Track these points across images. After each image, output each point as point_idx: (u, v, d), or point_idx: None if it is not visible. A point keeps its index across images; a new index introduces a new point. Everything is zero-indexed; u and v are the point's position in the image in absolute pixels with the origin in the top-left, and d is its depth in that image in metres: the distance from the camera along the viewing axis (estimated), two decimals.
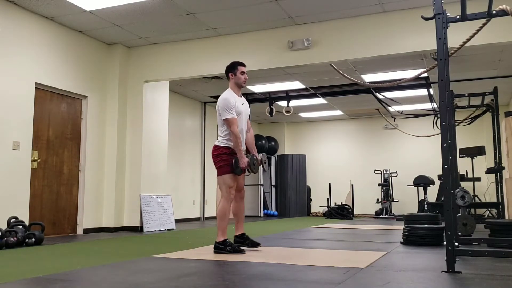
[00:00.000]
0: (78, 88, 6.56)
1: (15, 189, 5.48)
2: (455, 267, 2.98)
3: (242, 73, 4.18)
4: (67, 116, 6.42)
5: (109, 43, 7.09)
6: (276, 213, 12.34)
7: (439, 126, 3.40)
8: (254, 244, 4.19)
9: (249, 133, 4.29)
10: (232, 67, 4.20)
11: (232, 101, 4.02)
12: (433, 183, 10.55)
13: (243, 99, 4.22)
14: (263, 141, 12.16)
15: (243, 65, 4.22)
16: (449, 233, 2.97)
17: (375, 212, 11.36)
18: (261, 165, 4.38)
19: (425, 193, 10.46)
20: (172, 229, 7.17)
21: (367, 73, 8.13)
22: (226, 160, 3.98)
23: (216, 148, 4.08)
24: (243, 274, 2.97)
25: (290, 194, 12.43)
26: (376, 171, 11.48)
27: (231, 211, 4.07)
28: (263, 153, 4.58)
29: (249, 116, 4.34)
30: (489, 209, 9.63)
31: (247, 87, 9.24)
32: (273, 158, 12.74)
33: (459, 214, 4.31)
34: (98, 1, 5.56)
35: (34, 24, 5.91)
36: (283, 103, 10.07)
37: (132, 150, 7.10)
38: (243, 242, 4.16)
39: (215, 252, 3.95)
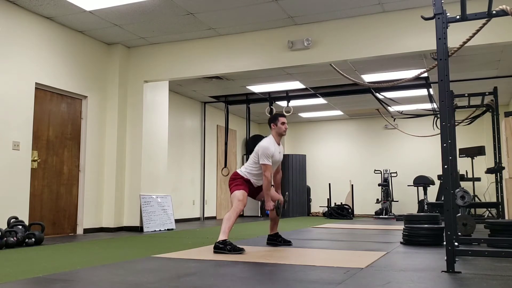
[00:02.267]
0: (78, 88, 6.56)
1: (15, 189, 5.49)
2: (455, 267, 2.98)
3: (283, 123, 4.57)
4: (67, 116, 6.42)
5: (109, 43, 7.09)
6: None
7: (439, 126, 3.40)
8: (286, 242, 4.71)
9: (278, 175, 4.74)
10: (274, 119, 4.61)
11: (272, 150, 4.40)
12: (433, 183, 10.56)
13: (281, 147, 4.61)
14: None
15: (284, 116, 4.65)
16: (449, 233, 2.97)
17: (375, 212, 11.36)
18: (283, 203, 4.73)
19: (425, 193, 10.46)
20: (172, 229, 7.17)
21: (367, 73, 8.13)
22: (241, 184, 4.33)
23: (236, 174, 4.44)
24: (242, 274, 2.97)
25: (290, 194, 12.43)
26: (376, 171, 11.48)
27: (235, 221, 4.25)
28: (287, 193, 5.05)
29: (281, 158, 4.68)
30: (489, 209, 9.63)
31: (247, 87, 9.25)
32: None
33: (459, 214, 4.32)
34: (98, 1, 5.56)
35: (34, 24, 5.92)
36: (283, 103, 10.07)
37: (132, 150, 7.10)
38: (276, 239, 4.70)
39: (215, 252, 3.97)
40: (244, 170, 4.44)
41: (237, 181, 4.36)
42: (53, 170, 6.13)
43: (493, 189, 8.29)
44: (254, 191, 4.48)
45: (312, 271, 3.05)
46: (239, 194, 4.25)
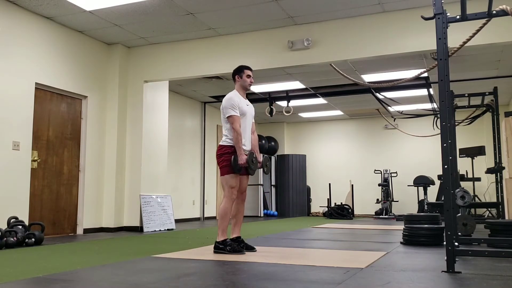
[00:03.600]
0: (78, 88, 6.56)
1: (15, 189, 5.48)
2: (455, 267, 2.98)
3: (248, 76, 4.26)
4: (67, 116, 6.42)
5: (109, 43, 7.09)
6: (276, 213, 12.34)
7: (439, 126, 3.40)
8: (249, 248, 4.10)
9: (253, 136, 4.32)
10: (239, 70, 4.28)
11: (236, 100, 4.10)
12: (433, 183, 10.56)
13: (247, 101, 4.30)
14: (263, 141, 12.16)
15: (249, 69, 4.30)
16: (449, 233, 2.97)
17: (375, 212, 11.36)
18: (262, 168, 4.33)
19: (425, 193, 10.46)
20: (172, 229, 7.17)
21: (367, 73, 8.13)
22: (228, 159, 4.00)
23: (220, 147, 4.12)
24: (243, 274, 2.97)
25: (290, 194, 12.44)
26: (376, 171, 11.48)
27: (231, 214, 4.08)
28: (266, 155, 4.53)
29: (254, 119, 4.39)
30: (489, 209, 9.63)
31: None
32: (273, 158, 12.75)
33: (459, 214, 4.31)
34: (98, 1, 5.56)
35: (34, 24, 5.92)
36: (283, 103, 10.07)
37: (132, 150, 7.10)
38: (237, 245, 4.02)
39: (215, 252, 3.96)
40: (225, 138, 4.10)
41: (225, 156, 4.03)
42: (53, 170, 6.13)
43: (493, 189, 8.29)
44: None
45: (312, 271, 3.05)
46: (231, 179, 3.99)
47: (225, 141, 4.09)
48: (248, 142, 4.16)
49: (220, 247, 3.94)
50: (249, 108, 4.26)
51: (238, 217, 4.21)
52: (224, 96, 4.22)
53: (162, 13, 5.92)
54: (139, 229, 6.85)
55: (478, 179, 10.08)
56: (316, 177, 12.96)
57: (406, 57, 6.71)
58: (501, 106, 10.08)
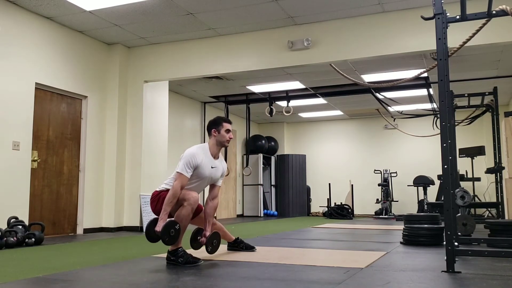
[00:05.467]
0: (78, 88, 6.56)
1: (15, 189, 5.48)
2: (455, 267, 2.98)
3: (227, 131, 3.58)
4: (67, 116, 6.42)
5: (109, 43, 7.09)
6: (276, 213, 12.34)
7: (439, 126, 3.40)
8: (249, 247, 4.02)
9: (212, 203, 3.61)
10: (216, 123, 3.60)
11: (199, 160, 3.40)
12: (433, 183, 10.56)
13: (218, 162, 3.58)
14: (263, 141, 12.16)
15: (229, 122, 3.63)
16: (449, 233, 2.97)
17: (375, 212, 11.36)
18: (206, 247, 3.61)
19: (425, 193, 10.46)
20: None
21: (367, 73, 8.13)
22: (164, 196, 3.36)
23: (156, 194, 3.47)
24: (243, 274, 2.97)
25: (290, 194, 12.44)
26: (376, 171, 11.48)
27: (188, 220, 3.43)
28: (216, 232, 3.72)
29: (220, 179, 3.67)
30: (489, 209, 9.63)
31: (247, 87, 9.24)
32: (273, 158, 12.75)
33: (459, 214, 4.31)
34: (98, 1, 5.56)
35: (34, 24, 5.92)
36: (283, 103, 10.07)
37: (132, 150, 7.10)
38: (190, 256, 3.37)
39: (167, 263, 3.38)
40: (165, 185, 3.47)
41: (160, 195, 3.42)
42: (53, 170, 6.13)
43: (493, 189, 8.29)
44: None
45: (312, 271, 3.05)
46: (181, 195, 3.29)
47: (164, 187, 3.48)
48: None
49: (171, 259, 3.34)
50: (215, 171, 3.53)
51: (207, 215, 3.61)
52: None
53: (162, 13, 5.92)
54: (139, 229, 6.85)
55: (478, 179, 10.08)
56: (316, 177, 12.96)
57: (406, 57, 6.71)
58: (501, 106, 10.08)
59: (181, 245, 3.37)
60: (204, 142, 10.62)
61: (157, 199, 3.44)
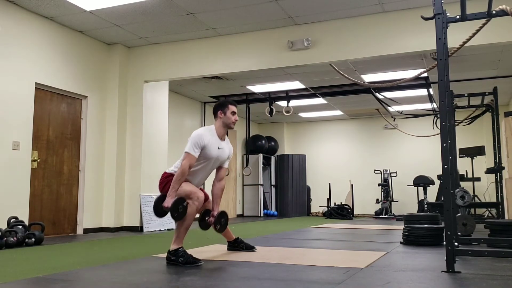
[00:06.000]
0: (78, 88, 6.56)
1: (15, 189, 5.48)
2: (455, 267, 2.98)
3: (233, 113, 3.69)
4: (67, 116, 6.42)
5: (109, 43, 7.09)
6: (276, 213, 12.34)
7: (439, 126, 3.40)
8: (249, 247, 4.06)
9: (219, 184, 3.74)
10: (222, 105, 3.70)
11: (206, 140, 3.51)
12: (433, 183, 10.56)
13: (225, 143, 3.70)
14: (263, 141, 12.16)
15: (234, 104, 3.75)
16: (449, 233, 2.97)
17: (375, 212, 11.36)
18: (215, 225, 3.70)
19: (425, 193, 10.46)
20: (172, 229, 7.17)
21: (367, 73, 8.13)
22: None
23: (166, 176, 3.58)
24: (243, 274, 2.97)
25: (290, 194, 12.44)
26: (376, 171, 11.48)
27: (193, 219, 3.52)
28: (224, 211, 3.79)
29: (227, 161, 3.80)
30: (489, 209, 9.63)
31: (247, 87, 9.24)
32: (273, 158, 12.75)
33: (459, 214, 4.31)
34: (98, 1, 5.56)
35: (34, 24, 5.92)
36: (283, 103, 10.07)
37: (132, 150, 7.10)
38: (191, 256, 3.39)
39: (167, 263, 3.41)
40: (174, 167, 3.58)
41: (169, 178, 3.52)
42: (53, 170, 6.13)
43: (493, 189, 8.29)
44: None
45: (312, 271, 3.05)
46: (185, 192, 3.42)
47: (173, 169, 3.58)
48: (198, 186, 3.68)
49: (171, 259, 3.37)
50: (221, 152, 3.64)
51: (215, 196, 3.73)
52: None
53: (162, 13, 5.92)
54: (139, 229, 6.85)
55: (478, 179, 10.08)
56: (316, 177, 12.96)
57: (406, 57, 6.71)
58: (501, 106, 10.08)
59: (182, 245, 3.42)
60: None
61: (166, 181, 3.53)
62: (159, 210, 3.41)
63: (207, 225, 3.73)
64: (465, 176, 10.31)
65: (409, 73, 7.68)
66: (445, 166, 3.05)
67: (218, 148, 3.62)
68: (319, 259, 3.74)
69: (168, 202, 3.31)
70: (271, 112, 9.83)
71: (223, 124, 3.69)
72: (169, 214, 3.35)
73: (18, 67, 5.66)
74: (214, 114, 3.75)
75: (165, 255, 3.49)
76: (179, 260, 3.33)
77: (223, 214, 3.77)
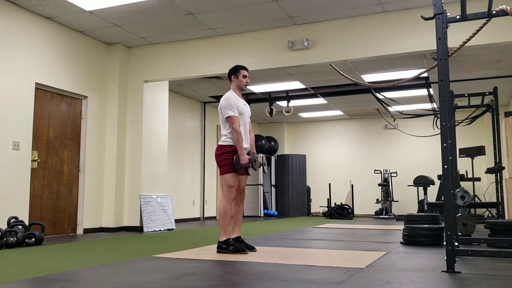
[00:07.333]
0: (78, 88, 6.56)
1: (15, 189, 5.48)
2: (455, 267, 2.98)
3: (244, 76, 4.25)
4: (67, 116, 6.42)
5: (109, 43, 7.09)
6: (276, 213, 12.34)
7: (439, 126, 3.40)
8: (249, 248, 4.09)
9: (250, 135, 4.29)
10: (235, 70, 4.27)
11: (234, 100, 4.11)
12: (433, 183, 10.56)
13: (244, 101, 4.30)
14: (263, 141, 12.16)
15: (245, 69, 4.29)
16: (449, 233, 2.97)
17: (375, 212, 11.36)
18: (261, 167, 4.40)
19: (425, 193, 10.46)
20: (172, 229, 7.17)
21: (367, 73, 8.13)
22: (228, 159, 4.01)
23: (219, 147, 4.10)
24: (243, 274, 2.97)
25: (290, 194, 12.44)
26: (376, 171, 11.48)
27: (231, 212, 4.08)
28: (263, 155, 4.51)
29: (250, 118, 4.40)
30: (489, 209, 9.63)
31: (247, 87, 9.23)
32: (273, 158, 12.75)
33: (459, 214, 4.32)
34: (98, 1, 5.56)
35: (34, 24, 5.91)
36: (283, 103, 10.07)
37: (132, 150, 7.10)
38: (239, 245, 4.05)
39: (218, 251, 3.98)
40: (225, 138, 4.09)
41: (225, 155, 4.03)
42: (53, 170, 6.13)
43: (493, 189, 8.29)
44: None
45: (312, 271, 3.05)
46: (230, 178, 4.00)
47: (225, 141, 4.08)
48: (247, 141, 4.16)
49: (223, 247, 3.96)
50: (246, 108, 4.25)
51: (237, 217, 4.19)
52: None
53: (162, 13, 5.92)
54: (139, 229, 6.85)
55: (478, 179, 10.08)
56: (316, 177, 12.96)
57: (406, 57, 6.71)
58: (501, 106, 10.09)
59: (229, 236, 3.99)
60: (205, 142, 10.67)
61: (221, 151, 4.06)
62: (239, 166, 3.99)
63: (256, 166, 4.22)
64: (465, 176, 10.31)
65: (409, 73, 7.68)
66: (445, 166, 3.05)
67: (244, 104, 4.22)
68: (319, 259, 3.74)
69: (245, 159, 3.96)
70: (271, 112, 9.83)
71: (237, 87, 4.26)
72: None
73: (18, 67, 5.66)
74: (229, 78, 4.30)
75: (165, 255, 3.53)
76: (230, 249, 3.90)
77: (253, 155, 4.17)
